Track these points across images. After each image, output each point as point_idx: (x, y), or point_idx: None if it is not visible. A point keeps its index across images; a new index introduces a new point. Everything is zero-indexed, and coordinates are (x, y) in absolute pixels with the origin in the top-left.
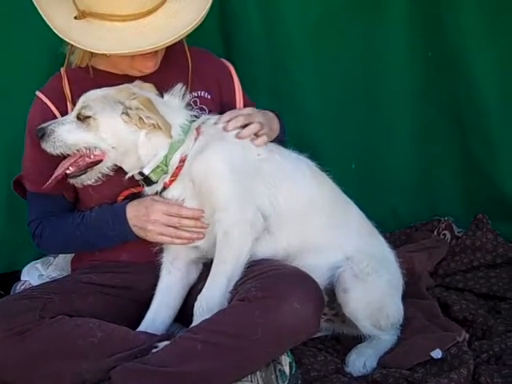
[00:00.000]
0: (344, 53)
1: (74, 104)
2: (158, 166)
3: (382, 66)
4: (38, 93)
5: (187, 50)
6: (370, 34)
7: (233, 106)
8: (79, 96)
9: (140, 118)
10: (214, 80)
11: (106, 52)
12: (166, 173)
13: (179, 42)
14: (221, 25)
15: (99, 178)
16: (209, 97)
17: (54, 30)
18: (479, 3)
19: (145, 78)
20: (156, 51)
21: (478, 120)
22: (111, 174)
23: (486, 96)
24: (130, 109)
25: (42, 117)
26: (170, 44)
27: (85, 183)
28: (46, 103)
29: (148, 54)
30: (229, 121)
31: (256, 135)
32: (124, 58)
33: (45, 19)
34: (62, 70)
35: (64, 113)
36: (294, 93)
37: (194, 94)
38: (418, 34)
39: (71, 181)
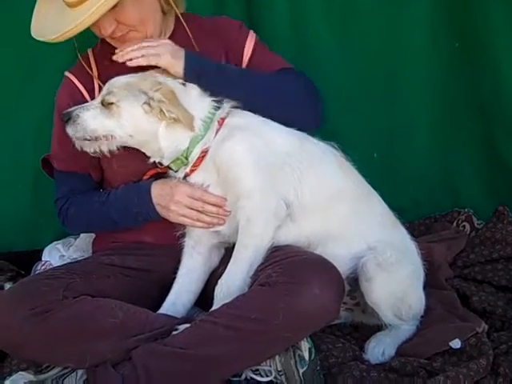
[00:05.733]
0: (369, 41)
1: (100, 83)
2: (177, 158)
3: (407, 55)
4: (66, 73)
5: (185, 24)
6: (395, 22)
7: (239, 57)
8: (106, 75)
9: (161, 110)
10: (226, 41)
11: (33, 34)
12: (185, 164)
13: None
14: (247, 11)
15: (96, 151)
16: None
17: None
18: None
19: None
20: (124, 37)
21: (501, 112)
22: (107, 155)
23: (511, 88)
24: (153, 100)
25: (70, 96)
26: (66, 36)
27: (84, 149)
28: (73, 82)
29: (117, 37)
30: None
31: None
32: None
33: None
34: (89, 50)
35: (91, 92)
36: (317, 81)
37: None
38: (443, 24)
39: (75, 140)
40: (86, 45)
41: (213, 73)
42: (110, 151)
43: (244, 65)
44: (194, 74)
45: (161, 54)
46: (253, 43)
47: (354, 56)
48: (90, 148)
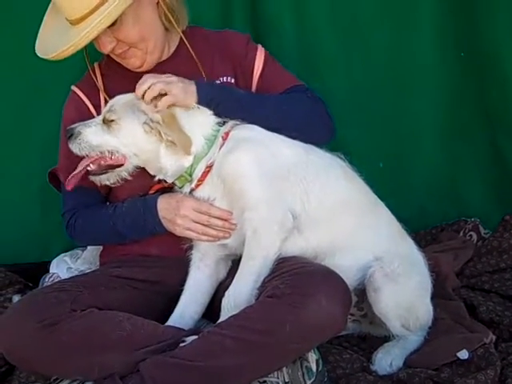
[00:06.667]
0: (375, 53)
1: (107, 97)
2: (181, 175)
3: (413, 65)
4: (73, 87)
5: (186, 41)
6: (402, 33)
7: (249, 73)
8: (112, 89)
9: (159, 132)
10: (233, 55)
11: (37, 52)
12: (190, 181)
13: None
14: (252, 24)
15: (118, 180)
16: (232, 80)
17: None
18: None
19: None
20: (124, 54)
21: (509, 121)
22: (130, 178)
23: None
24: (152, 121)
25: (76, 111)
26: (64, 55)
27: (103, 183)
28: (80, 97)
29: (118, 53)
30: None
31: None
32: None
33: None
34: (96, 63)
35: (97, 106)
36: (323, 93)
37: (218, 81)
38: (449, 34)
39: (91, 178)
40: (94, 58)
41: (225, 99)
42: (131, 174)
43: (255, 81)
44: (207, 103)
45: (173, 93)
46: (262, 58)
47: (361, 68)
48: (108, 180)
